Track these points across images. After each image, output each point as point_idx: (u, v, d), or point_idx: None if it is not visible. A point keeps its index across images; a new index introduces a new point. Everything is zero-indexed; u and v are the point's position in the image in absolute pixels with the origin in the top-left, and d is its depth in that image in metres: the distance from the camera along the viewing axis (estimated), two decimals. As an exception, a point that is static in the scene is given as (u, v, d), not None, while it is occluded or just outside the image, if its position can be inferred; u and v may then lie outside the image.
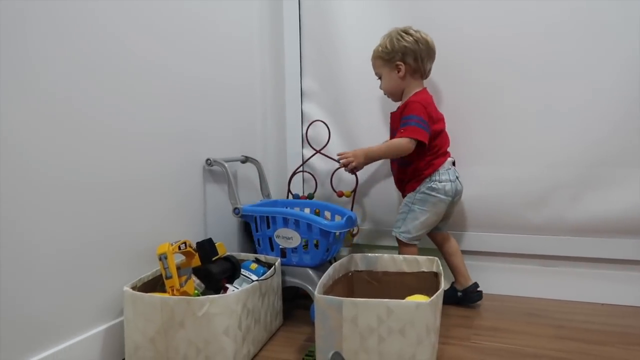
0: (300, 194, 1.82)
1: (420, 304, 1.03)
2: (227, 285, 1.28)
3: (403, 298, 1.15)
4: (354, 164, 1.47)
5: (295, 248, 1.41)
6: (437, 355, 1.14)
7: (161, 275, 1.15)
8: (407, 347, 1.02)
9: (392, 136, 1.55)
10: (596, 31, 1.48)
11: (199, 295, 1.17)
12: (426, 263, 1.41)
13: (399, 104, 1.55)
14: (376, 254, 1.46)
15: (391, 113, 1.58)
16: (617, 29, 1.46)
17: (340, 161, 1.50)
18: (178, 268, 1.18)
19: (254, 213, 1.45)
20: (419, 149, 1.45)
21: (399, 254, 1.48)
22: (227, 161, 1.52)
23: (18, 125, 0.92)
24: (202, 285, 1.26)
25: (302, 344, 1.25)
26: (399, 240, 1.53)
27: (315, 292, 1.11)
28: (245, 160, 1.66)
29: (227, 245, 1.58)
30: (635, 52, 1.45)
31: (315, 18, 1.82)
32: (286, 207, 1.61)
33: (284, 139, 1.89)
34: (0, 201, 0.89)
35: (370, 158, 1.48)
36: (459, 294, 1.55)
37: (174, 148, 1.37)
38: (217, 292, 1.24)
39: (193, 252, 1.24)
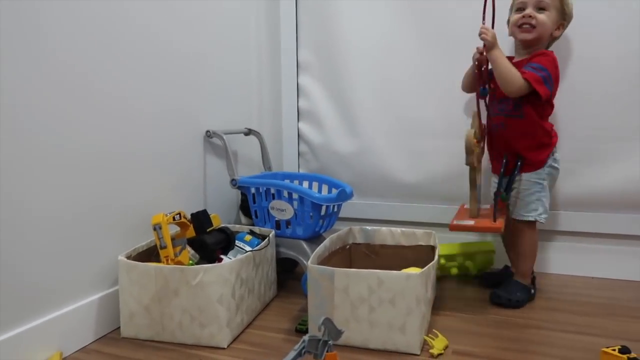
0: (296, 168, 1.83)
1: (411, 275, 1.04)
2: (222, 256, 1.30)
3: (400, 270, 1.15)
4: (487, 36, 1.25)
5: (289, 220, 1.42)
6: (428, 325, 1.16)
7: (156, 245, 1.17)
8: (397, 316, 1.04)
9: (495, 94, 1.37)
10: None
11: (193, 265, 1.18)
12: (424, 237, 1.43)
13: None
14: (374, 227, 1.47)
15: (514, 62, 1.35)
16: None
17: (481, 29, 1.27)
18: (173, 239, 1.20)
19: (250, 184, 1.46)
20: (540, 110, 1.31)
21: (521, 240, 1.35)
22: (228, 133, 1.52)
23: (17, 90, 0.93)
24: (197, 256, 1.28)
25: (296, 314, 1.27)
26: (528, 222, 1.35)
27: (309, 262, 1.12)
28: (248, 132, 1.67)
29: (226, 217, 1.61)
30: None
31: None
32: (285, 180, 1.62)
33: (279, 112, 1.88)
34: (-8, 169, 0.89)
35: (494, 49, 1.26)
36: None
37: (173, 119, 1.38)
38: (212, 263, 1.25)
39: (188, 223, 1.25)
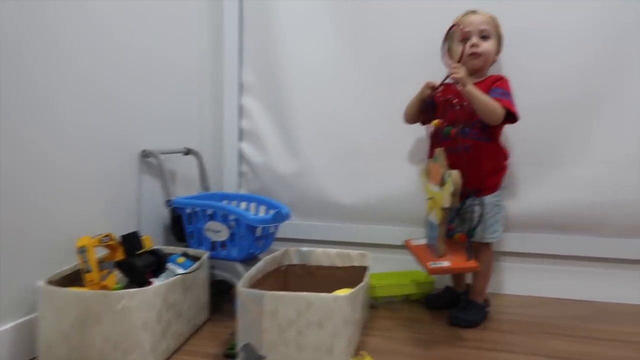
0: (236, 188, 1.82)
1: (338, 297, 1.05)
2: (152, 279, 1.27)
3: (333, 292, 1.16)
4: (459, 74, 1.27)
5: (224, 241, 1.41)
6: (357, 346, 1.17)
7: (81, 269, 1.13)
8: (325, 339, 1.05)
9: (447, 111, 1.38)
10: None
11: (120, 289, 1.15)
12: (358, 258, 1.45)
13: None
14: (310, 248, 1.48)
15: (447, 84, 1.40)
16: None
17: (453, 67, 1.29)
18: (101, 262, 1.16)
19: (185, 205, 1.44)
20: (500, 133, 1.39)
21: (480, 261, 1.32)
22: (165, 153, 1.51)
23: None
24: (125, 280, 1.24)
25: (227, 338, 1.25)
26: (486, 244, 1.41)
27: (239, 285, 1.12)
28: (187, 152, 1.65)
29: (163, 238, 1.58)
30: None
31: (256, 8, 1.81)
32: (223, 201, 1.61)
33: (221, 132, 1.87)
34: None
35: (468, 85, 1.27)
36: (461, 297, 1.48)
37: (106, 138, 1.35)
38: (142, 286, 1.22)
39: (117, 245, 1.22)
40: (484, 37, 1.38)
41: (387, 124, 1.67)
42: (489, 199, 1.38)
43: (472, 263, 1.25)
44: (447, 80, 1.31)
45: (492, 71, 1.46)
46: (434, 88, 1.36)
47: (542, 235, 1.61)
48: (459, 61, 1.29)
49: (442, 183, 1.26)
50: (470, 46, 1.37)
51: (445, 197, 1.23)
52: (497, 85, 1.36)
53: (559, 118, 1.55)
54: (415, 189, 1.54)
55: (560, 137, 1.56)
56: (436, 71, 1.53)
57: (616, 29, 1.49)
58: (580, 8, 1.51)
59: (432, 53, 1.53)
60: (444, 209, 1.26)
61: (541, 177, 1.59)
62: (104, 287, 1.13)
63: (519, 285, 1.63)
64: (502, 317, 1.42)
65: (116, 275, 1.21)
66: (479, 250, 1.41)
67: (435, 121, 1.36)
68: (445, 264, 1.24)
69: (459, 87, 1.28)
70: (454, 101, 1.34)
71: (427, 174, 1.39)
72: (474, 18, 1.39)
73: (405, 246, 1.44)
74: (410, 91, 1.51)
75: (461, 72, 1.27)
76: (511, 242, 1.62)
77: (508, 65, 1.52)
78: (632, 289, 1.55)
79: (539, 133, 1.55)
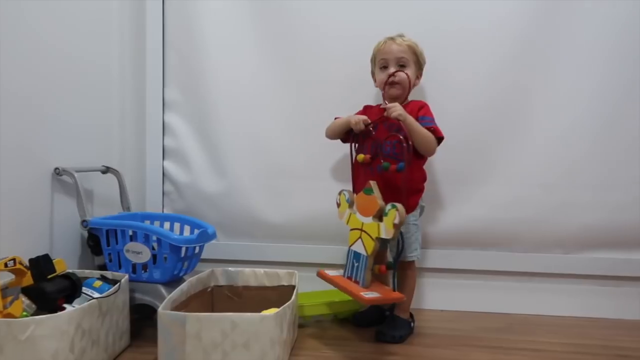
0: (160, 208, 1.76)
1: (265, 317, 1.04)
2: (65, 305, 1.18)
3: (261, 312, 1.14)
4: (395, 112, 1.32)
5: (146, 263, 1.34)
6: (285, 367, 1.16)
7: (-18, 296, 1.03)
8: (251, 360, 1.02)
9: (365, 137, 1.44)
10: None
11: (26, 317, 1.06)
12: (286, 277, 1.45)
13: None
14: (237, 268, 1.46)
15: (368, 106, 1.53)
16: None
17: (389, 108, 1.35)
18: (5, 288, 1.07)
19: (102, 226, 1.37)
20: (419, 156, 1.41)
21: (405, 277, 1.43)
22: (82, 171, 1.43)
23: None
24: (34, 307, 1.15)
25: (149, 365, 1.19)
26: (408, 263, 1.44)
27: (160, 308, 1.07)
28: (106, 170, 1.57)
29: (79, 261, 1.48)
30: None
31: (179, 23, 1.77)
32: (145, 221, 1.54)
33: (143, 150, 1.81)
34: None
35: (407, 120, 1.33)
36: (387, 313, 1.49)
37: (13, 154, 1.25)
38: (52, 313, 1.14)
39: (24, 269, 1.12)
40: (402, 65, 1.44)
41: (312, 144, 1.69)
42: (408, 219, 1.39)
43: (398, 294, 1.29)
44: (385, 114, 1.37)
45: (414, 95, 1.52)
46: (368, 125, 1.41)
47: (460, 251, 1.68)
48: (377, 87, 1.36)
49: (378, 215, 1.28)
50: (388, 76, 1.43)
51: (387, 230, 1.24)
52: (424, 113, 1.42)
53: (475, 140, 1.64)
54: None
55: (476, 158, 1.65)
56: (358, 93, 1.63)
57: (526, 55, 1.61)
58: (485, 47, 1.62)
59: (356, 75, 1.60)
60: (377, 240, 1.28)
61: (458, 196, 1.67)
62: (9, 315, 1.03)
63: (441, 300, 1.69)
64: (426, 332, 1.46)
65: (23, 302, 1.11)
66: (402, 268, 1.44)
67: (360, 156, 1.42)
68: (375, 295, 1.25)
69: (401, 121, 1.32)
70: (370, 126, 1.41)
71: (352, 204, 1.41)
72: (393, 47, 1.44)
73: (321, 277, 1.43)
74: (334, 111, 1.58)
75: (399, 109, 1.33)
76: (432, 258, 1.68)
77: (427, 88, 1.60)
78: (544, 301, 1.65)
79: (456, 154, 1.63)
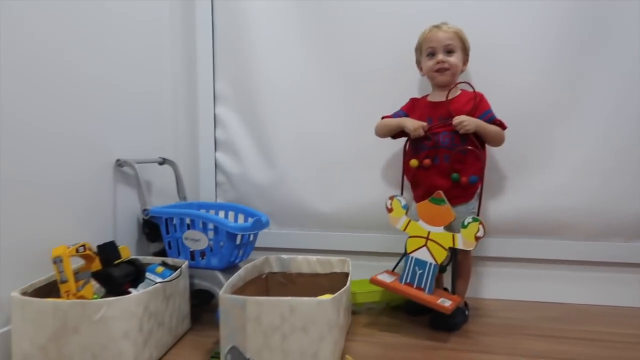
0: (213, 198, 1.81)
1: (322, 301, 1.06)
2: (131, 289, 1.24)
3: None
4: (467, 126, 1.35)
5: (203, 250, 1.39)
6: (342, 351, 1.17)
7: (56, 280, 1.10)
8: (310, 344, 1.04)
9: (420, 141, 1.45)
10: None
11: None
12: (338, 264, 1.46)
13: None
14: (290, 256, 1.48)
15: (432, 102, 1.48)
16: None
17: (455, 122, 1.37)
18: (76, 272, 1.13)
19: (162, 215, 1.42)
20: (476, 144, 1.39)
21: (460, 266, 1.43)
22: (140, 162, 1.49)
23: None
24: (103, 290, 1.21)
25: (210, 347, 1.24)
26: (463, 251, 1.40)
27: (221, 292, 1.10)
28: (163, 162, 1.63)
29: (139, 249, 1.55)
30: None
31: (228, 21, 1.81)
32: (201, 210, 1.59)
33: (196, 142, 1.86)
34: None
35: (479, 127, 1.37)
36: None
37: (80, 147, 1.32)
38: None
39: (93, 255, 1.19)
40: (449, 51, 1.44)
41: (360, 134, 1.69)
42: (462, 207, 1.41)
43: (459, 297, 1.38)
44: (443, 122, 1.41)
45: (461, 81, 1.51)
46: (426, 130, 1.43)
47: (516, 239, 1.65)
48: (424, 75, 1.47)
49: (463, 226, 1.32)
50: (437, 62, 1.44)
51: (466, 241, 1.32)
52: (485, 107, 1.43)
53: (531, 127, 1.60)
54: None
55: (532, 145, 1.61)
56: (405, 83, 1.64)
57: (573, 43, 1.56)
58: (537, 26, 1.58)
59: (402, 65, 1.60)
60: (449, 250, 1.35)
61: (515, 184, 1.63)
62: (81, 298, 1.09)
63: (496, 289, 1.67)
64: (481, 320, 1.45)
65: (93, 286, 1.17)
66: (459, 256, 1.44)
67: (414, 161, 1.45)
68: (450, 301, 1.33)
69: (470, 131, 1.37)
70: (428, 132, 1.42)
71: (408, 210, 1.45)
72: (439, 34, 1.44)
73: (376, 283, 1.43)
74: (381, 101, 1.60)
75: (467, 124, 1.35)
76: (487, 247, 1.66)
77: (476, 78, 1.58)
78: (602, 290, 1.60)
79: (513, 141, 1.59)
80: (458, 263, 1.47)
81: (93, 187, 1.38)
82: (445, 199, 1.36)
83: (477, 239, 1.30)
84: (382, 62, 1.68)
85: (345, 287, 1.18)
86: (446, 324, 1.36)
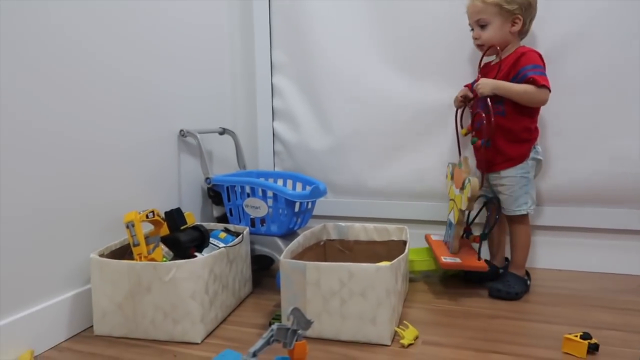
0: (271, 167, 1.85)
1: (381, 268, 1.07)
2: (196, 254, 1.30)
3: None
4: (481, 89, 1.34)
5: (263, 217, 1.43)
6: (399, 317, 1.19)
7: (129, 244, 1.17)
8: (368, 308, 1.06)
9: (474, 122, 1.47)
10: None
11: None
12: (396, 232, 1.46)
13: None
14: (348, 223, 1.50)
15: (485, 64, 1.46)
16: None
17: (477, 86, 1.37)
18: (146, 237, 1.20)
19: (224, 183, 1.47)
20: (521, 106, 1.35)
21: (516, 232, 1.42)
22: (203, 132, 1.54)
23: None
24: (171, 254, 1.28)
25: (271, 310, 1.29)
26: (518, 217, 1.41)
27: (281, 257, 1.14)
28: (223, 131, 1.68)
29: (202, 216, 1.62)
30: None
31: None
32: (260, 178, 1.63)
33: (254, 112, 1.89)
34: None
35: (499, 90, 1.33)
36: (500, 270, 1.49)
37: (146, 118, 1.39)
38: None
39: (161, 221, 1.26)
40: (482, 25, 1.39)
41: (418, 102, 1.67)
42: (512, 171, 1.38)
43: (481, 263, 1.38)
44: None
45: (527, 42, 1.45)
46: (465, 101, 1.50)
47: (580, 208, 1.58)
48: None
49: (462, 187, 1.36)
50: (474, 39, 1.43)
51: (463, 201, 1.35)
52: (525, 62, 1.33)
53: (597, 90, 1.50)
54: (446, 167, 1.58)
55: (598, 110, 1.52)
56: (461, 48, 1.59)
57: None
58: None
59: (455, 26, 1.55)
60: (461, 211, 1.37)
61: (579, 150, 1.55)
62: (152, 260, 1.16)
63: (557, 259, 1.61)
64: (543, 291, 1.41)
65: (162, 250, 1.24)
66: (513, 222, 1.42)
67: (464, 130, 1.51)
68: (457, 260, 1.39)
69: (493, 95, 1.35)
70: (479, 116, 1.40)
71: (451, 177, 1.49)
72: (469, 9, 1.42)
73: (426, 240, 1.58)
74: (442, 69, 1.60)
75: (482, 87, 1.34)
76: (549, 216, 1.60)
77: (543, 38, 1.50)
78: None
79: (577, 105, 1.52)
80: (510, 232, 1.45)
81: (159, 156, 1.45)
82: (465, 164, 1.39)
83: (468, 199, 1.31)
84: (445, 29, 1.62)
85: (403, 254, 1.18)
86: (505, 293, 1.34)
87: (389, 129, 1.73)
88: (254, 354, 0.73)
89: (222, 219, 1.57)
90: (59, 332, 1.11)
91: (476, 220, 1.56)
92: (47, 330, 1.07)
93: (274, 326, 0.77)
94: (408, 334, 1.09)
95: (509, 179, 1.38)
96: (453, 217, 1.44)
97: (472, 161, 1.51)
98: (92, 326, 1.15)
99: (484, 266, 1.37)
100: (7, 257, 0.99)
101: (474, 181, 1.30)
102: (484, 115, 1.35)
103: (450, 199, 1.48)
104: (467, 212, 1.43)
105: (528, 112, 1.37)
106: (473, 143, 1.42)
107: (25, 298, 1.03)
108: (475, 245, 1.45)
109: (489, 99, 1.34)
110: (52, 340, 1.09)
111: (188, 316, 1.08)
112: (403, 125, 1.71)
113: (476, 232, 1.51)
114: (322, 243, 1.47)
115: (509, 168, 1.38)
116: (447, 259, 1.38)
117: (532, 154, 1.40)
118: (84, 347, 1.08)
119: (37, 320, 1.04)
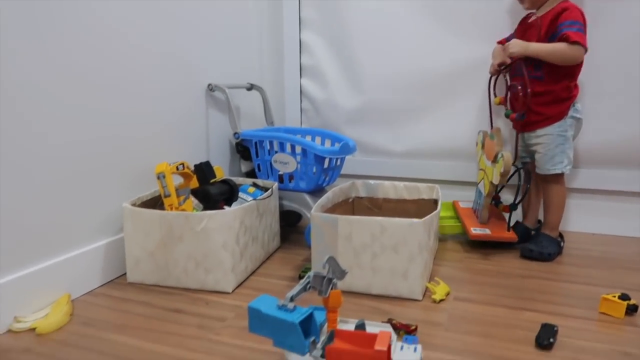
0: (298, 124, 1.83)
1: (413, 222, 1.05)
2: (225, 207, 1.30)
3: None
4: (511, 49, 1.32)
5: (292, 173, 1.42)
6: (431, 273, 1.18)
7: (160, 195, 1.17)
8: (400, 263, 1.05)
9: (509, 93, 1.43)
10: None
11: (197, 214, 1.19)
12: (427, 190, 1.44)
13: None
14: (377, 181, 1.48)
15: (523, 20, 1.41)
16: None
17: (506, 47, 1.36)
18: (176, 189, 1.20)
19: (252, 137, 1.46)
20: (558, 67, 1.29)
21: (550, 192, 1.39)
22: (231, 87, 1.52)
23: (20, 43, 0.91)
24: (201, 206, 1.28)
25: (299, 264, 1.29)
26: (553, 177, 1.37)
27: (312, 211, 1.13)
28: (251, 87, 1.66)
29: (230, 170, 1.61)
30: None
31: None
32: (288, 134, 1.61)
33: (281, 68, 1.85)
34: (3, 114, 0.89)
35: (528, 51, 1.29)
36: (533, 232, 1.47)
37: (175, 72, 1.37)
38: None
39: (191, 173, 1.25)
40: None
41: (452, 60, 1.62)
42: (550, 129, 1.34)
43: (511, 234, 1.37)
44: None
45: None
46: (497, 71, 1.45)
47: (615, 171, 1.53)
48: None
49: (494, 160, 1.33)
50: None
51: (495, 175, 1.32)
52: (564, 18, 1.27)
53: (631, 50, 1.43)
54: (478, 128, 1.56)
55: (637, 70, 1.45)
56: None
57: None
58: None
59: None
60: (492, 184, 1.35)
61: (616, 111, 1.49)
62: (183, 211, 1.16)
63: (591, 222, 1.57)
64: (576, 253, 1.39)
65: (192, 201, 1.24)
66: (547, 182, 1.38)
67: (497, 99, 1.46)
68: (486, 231, 1.38)
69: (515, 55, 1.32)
70: (516, 88, 1.35)
71: (482, 146, 1.47)
72: None
73: (454, 207, 1.58)
74: (475, 26, 1.55)
75: (514, 49, 1.31)
76: (584, 178, 1.56)
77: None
78: None
79: (617, 66, 1.45)
80: (544, 192, 1.42)
81: (188, 109, 1.43)
82: (497, 136, 1.37)
83: (501, 174, 1.29)
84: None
85: (436, 210, 1.16)
86: (538, 254, 1.32)
87: (420, 88, 1.68)
88: (291, 299, 0.73)
89: (250, 174, 1.56)
90: (94, 278, 1.12)
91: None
92: (82, 276, 1.09)
93: (311, 273, 0.76)
94: (440, 290, 1.08)
95: (546, 137, 1.34)
96: (483, 188, 1.42)
97: (504, 130, 1.47)
98: (125, 274, 1.17)
99: (513, 237, 1.36)
100: (45, 205, 1.00)
101: (507, 156, 1.28)
102: (519, 87, 1.32)
103: (480, 169, 1.46)
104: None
105: (568, 72, 1.31)
106: (507, 116, 1.38)
107: (61, 244, 1.04)
108: (505, 215, 1.42)
109: (524, 67, 1.29)
110: (87, 285, 1.11)
111: (219, 266, 1.09)
112: (435, 85, 1.66)
113: (505, 196, 1.48)
114: (350, 200, 1.46)
115: (546, 127, 1.34)
116: (476, 230, 1.38)
117: (571, 112, 1.34)
118: (117, 293, 1.10)
119: (72, 266, 1.06)
